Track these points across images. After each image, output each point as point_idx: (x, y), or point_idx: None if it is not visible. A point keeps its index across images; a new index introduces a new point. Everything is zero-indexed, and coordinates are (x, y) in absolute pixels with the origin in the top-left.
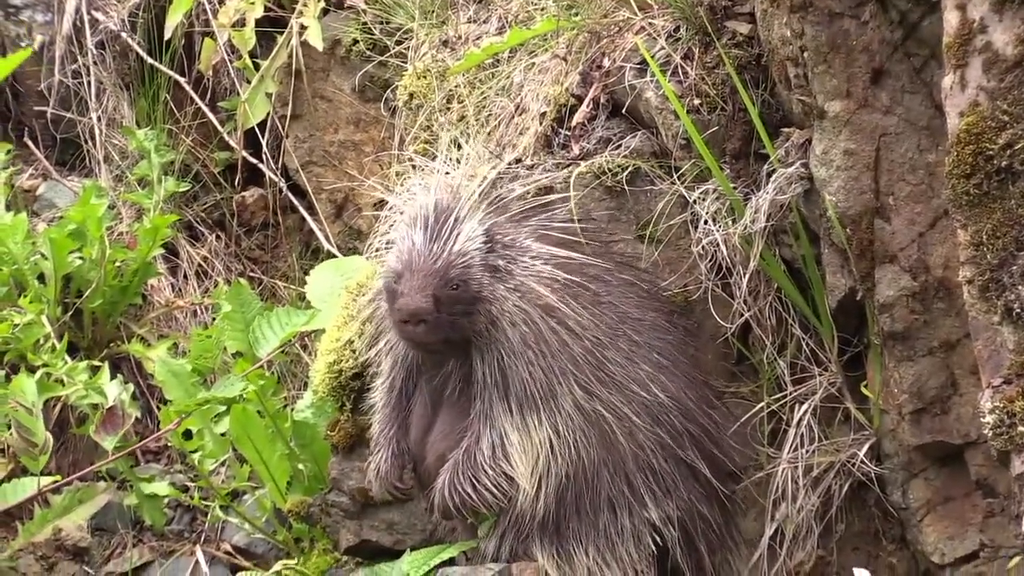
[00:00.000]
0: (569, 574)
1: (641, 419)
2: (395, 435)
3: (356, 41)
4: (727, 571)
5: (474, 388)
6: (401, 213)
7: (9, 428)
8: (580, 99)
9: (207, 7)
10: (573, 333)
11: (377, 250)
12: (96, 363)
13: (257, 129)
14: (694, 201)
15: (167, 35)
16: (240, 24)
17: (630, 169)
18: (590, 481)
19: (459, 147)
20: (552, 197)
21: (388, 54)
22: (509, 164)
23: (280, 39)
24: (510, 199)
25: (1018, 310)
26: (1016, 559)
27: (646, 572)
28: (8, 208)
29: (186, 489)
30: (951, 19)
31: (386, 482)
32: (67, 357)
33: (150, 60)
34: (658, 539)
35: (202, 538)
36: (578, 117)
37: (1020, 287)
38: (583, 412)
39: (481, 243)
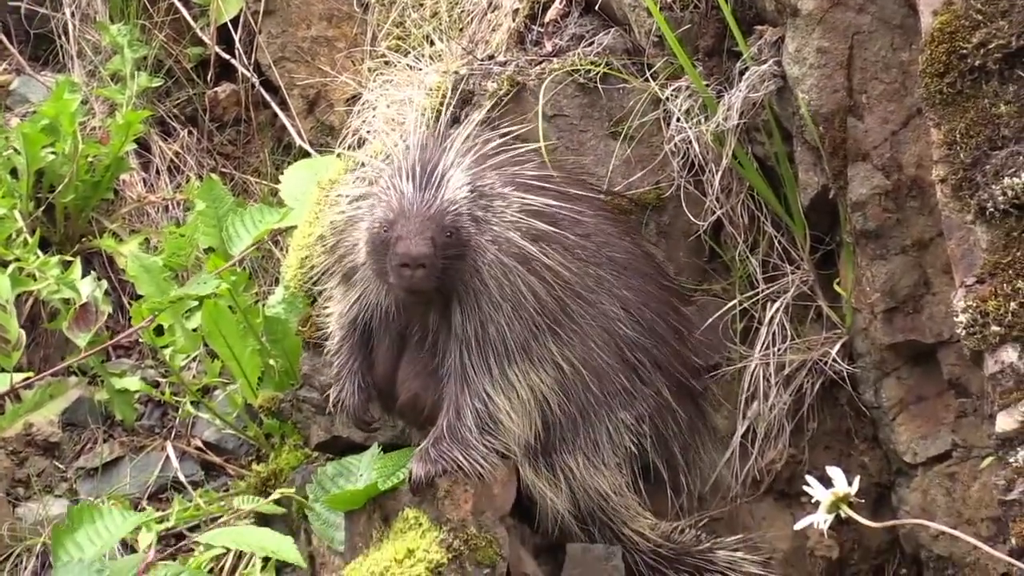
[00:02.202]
0: (561, 484)
1: (613, 358)
2: (359, 368)
3: None
4: (700, 469)
5: (447, 340)
6: (382, 168)
7: None
8: None
9: None
10: (547, 283)
11: (349, 146)
12: (68, 258)
13: (230, 24)
14: (667, 98)
15: None
16: None
17: (602, 68)
18: (569, 413)
19: (432, 43)
20: (523, 148)
21: None
22: (481, 60)
23: None
24: (487, 148)
25: (991, 209)
26: (988, 459)
27: (626, 472)
28: None
29: (157, 384)
30: None
31: (352, 415)
32: (39, 252)
33: None
34: (634, 439)
35: (173, 434)
36: (551, 14)
37: (993, 186)
38: (557, 363)
39: (468, 192)
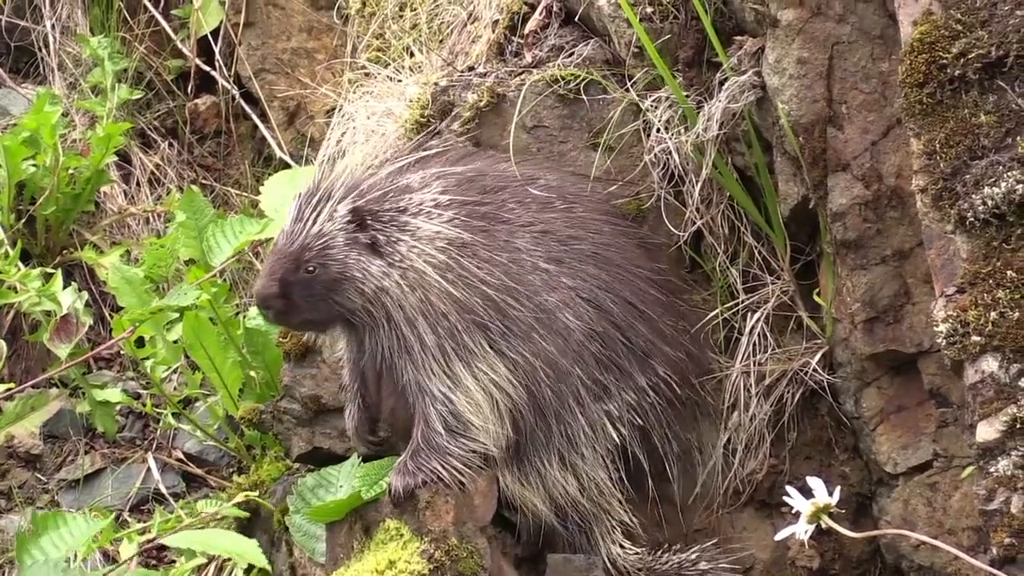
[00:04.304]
0: (540, 488)
1: (573, 351)
2: (358, 389)
3: None
4: (687, 473)
5: (384, 362)
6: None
7: None
8: (533, 7)
9: None
10: (461, 294)
11: (329, 158)
12: (49, 270)
13: (210, 37)
14: (646, 109)
15: None
16: None
17: (582, 78)
18: (537, 411)
19: (412, 55)
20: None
21: None
22: (461, 72)
23: None
24: (395, 164)
25: (971, 219)
26: (969, 469)
27: (609, 466)
28: None
29: (138, 396)
30: None
31: (359, 437)
32: (20, 264)
33: None
34: (617, 429)
35: (154, 445)
36: (531, 25)
37: (973, 196)
38: (503, 355)
39: (345, 222)
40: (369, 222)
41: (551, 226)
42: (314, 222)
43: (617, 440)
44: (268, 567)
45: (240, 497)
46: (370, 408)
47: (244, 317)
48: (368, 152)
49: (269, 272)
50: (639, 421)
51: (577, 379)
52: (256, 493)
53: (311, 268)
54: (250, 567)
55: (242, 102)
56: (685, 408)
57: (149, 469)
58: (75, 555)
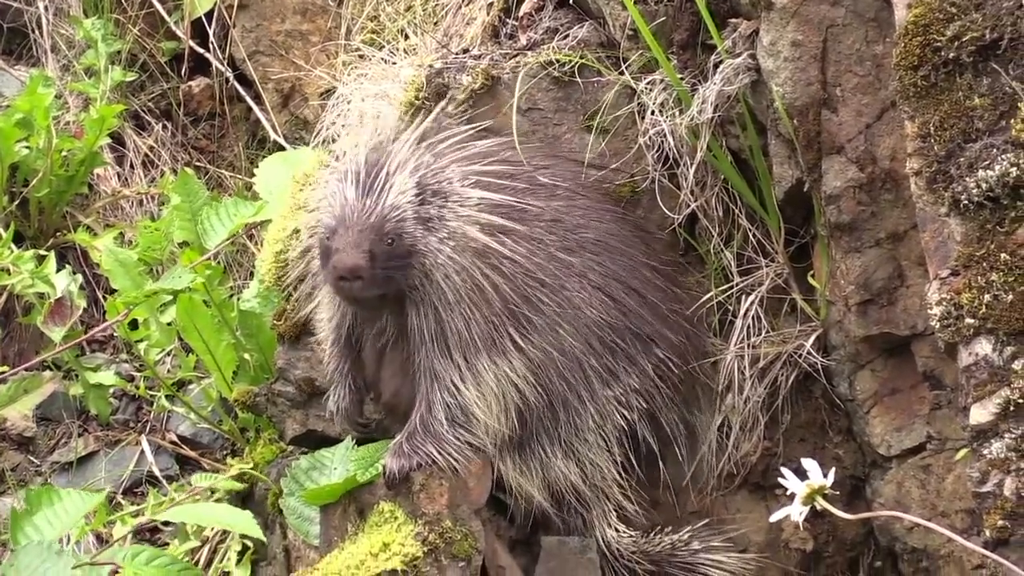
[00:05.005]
0: (540, 476)
1: (587, 341)
2: (349, 371)
3: None
4: (690, 440)
5: (411, 342)
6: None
7: None
8: None
9: None
10: (505, 275)
11: (324, 140)
12: (42, 252)
13: (204, 18)
14: (641, 92)
15: None
16: None
17: (577, 61)
18: (545, 401)
19: (406, 37)
20: (491, 140)
21: None
22: (456, 54)
23: None
24: (449, 143)
25: (965, 201)
26: (963, 451)
27: (615, 451)
28: None
29: (132, 379)
30: None
31: (348, 418)
32: (13, 246)
33: None
34: (625, 413)
35: (147, 428)
36: (526, 7)
37: (967, 178)
38: (524, 352)
39: (413, 195)
40: (429, 198)
41: (558, 214)
42: (387, 195)
43: (624, 425)
44: (263, 538)
45: (235, 471)
46: (360, 391)
47: (238, 299)
48: (388, 133)
49: (355, 243)
50: (645, 405)
51: (588, 367)
52: (249, 464)
53: (390, 240)
54: (244, 549)
55: (236, 84)
56: (687, 389)
57: (143, 452)
58: (68, 537)
